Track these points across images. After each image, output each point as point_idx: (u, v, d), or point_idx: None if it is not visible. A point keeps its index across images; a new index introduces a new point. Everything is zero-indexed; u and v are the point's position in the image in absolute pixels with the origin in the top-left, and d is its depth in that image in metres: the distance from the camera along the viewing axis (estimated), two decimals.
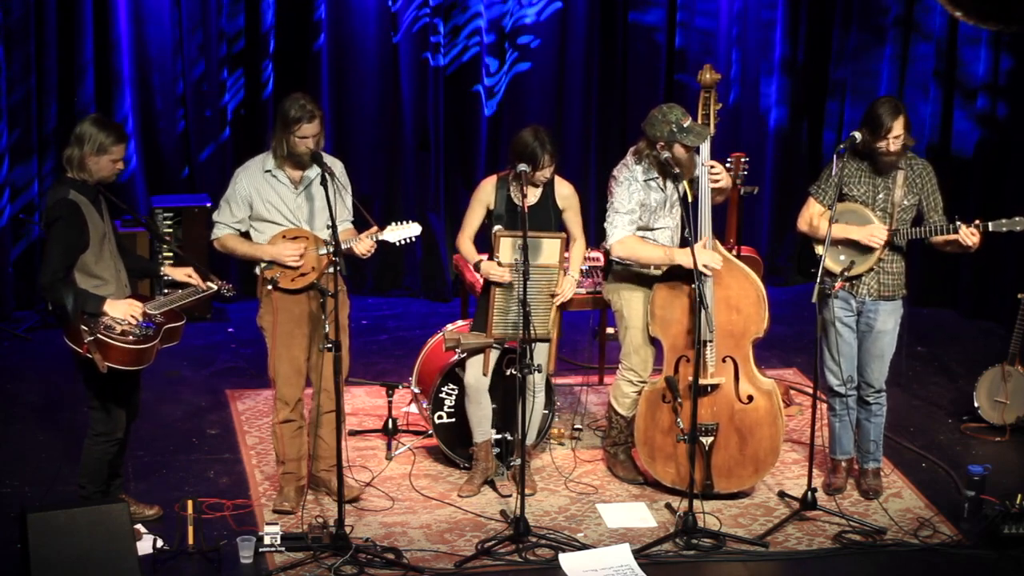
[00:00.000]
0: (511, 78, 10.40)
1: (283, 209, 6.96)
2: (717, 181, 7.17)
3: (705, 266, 6.97)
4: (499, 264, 7.12)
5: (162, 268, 6.79)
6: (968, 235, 6.95)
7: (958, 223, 6.99)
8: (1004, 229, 6.98)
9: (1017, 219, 6.96)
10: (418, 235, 7.05)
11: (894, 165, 7.08)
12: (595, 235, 9.32)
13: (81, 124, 6.53)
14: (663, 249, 7.18)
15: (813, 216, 7.21)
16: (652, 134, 7.07)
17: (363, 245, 6.95)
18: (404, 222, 7.04)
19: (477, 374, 7.29)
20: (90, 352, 6.36)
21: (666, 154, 7.03)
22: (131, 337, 6.43)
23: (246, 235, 7.04)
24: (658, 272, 7.24)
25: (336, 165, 7.01)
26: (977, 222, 6.97)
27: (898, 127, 6.97)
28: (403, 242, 7.05)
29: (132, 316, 6.46)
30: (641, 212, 7.18)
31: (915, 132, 7.22)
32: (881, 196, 7.12)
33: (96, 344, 6.36)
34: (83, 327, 6.35)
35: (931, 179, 7.18)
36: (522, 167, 7.03)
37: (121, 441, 6.81)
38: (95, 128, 6.47)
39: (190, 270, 6.77)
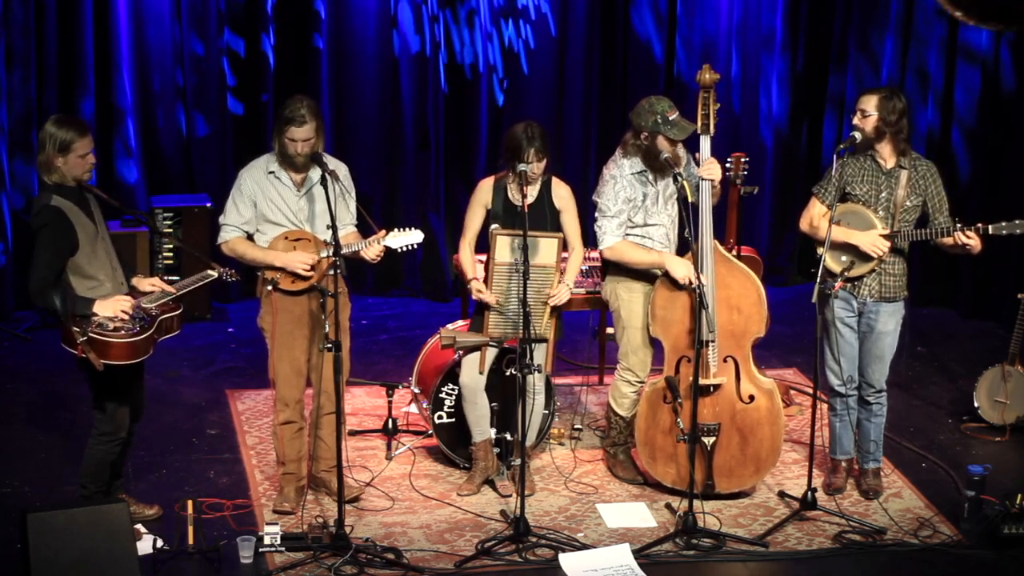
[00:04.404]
0: (512, 78, 10.40)
1: (285, 210, 6.96)
2: (711, 176, 7.15)
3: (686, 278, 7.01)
4: (495, 263, 7.12)
5: (132, 280, 6.74)
6: (963, 237, 6.95)
7: (958, 224, 7.00)
8: (1004, 232, 6.99)
9: (1017, 222, 6.96)
10: (420, 242, 7.05)
11: (870, 143, 7.07)
12: (593, 236, 9.31)
13: (43, 127, 6.48)
14: (655, 254, 7.18)
15: (815, 216, 7.20)
16: (637, 123, 7.11)
17: (373, 250, 6.94)
18: (407, 228, 7.04)
19: (473, 374, 7.29)
20: (85, 352, 6.36)
21: (665, 154, 7.03)
22: (123, 331, 6.42)
23: (250, 237, 7.03)
24: (657, 272, 7.25)
25: (340, 168, 7.01)
26: (978, 225, 6.97)
27: (863, 103, 7.03)
28: (405, 249, 7.04)
29: (123, 312, 6.45)
30: (630, 209, 7.19)
31: (915, 133, 7.21)
32: (884, 195, 7.12)
33: (90, 343, 6.36)
34: (75, 328, 6.35)
35: (935, 180, 7.18)
36: (522, 167, 7.04)
37: (124, 442, 6.81)
38: (54, 128, 6.43)
39: (155, 279, 6.74)
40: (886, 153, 7.11)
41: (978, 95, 10.06)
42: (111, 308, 6.44)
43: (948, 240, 7.05)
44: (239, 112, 10.15)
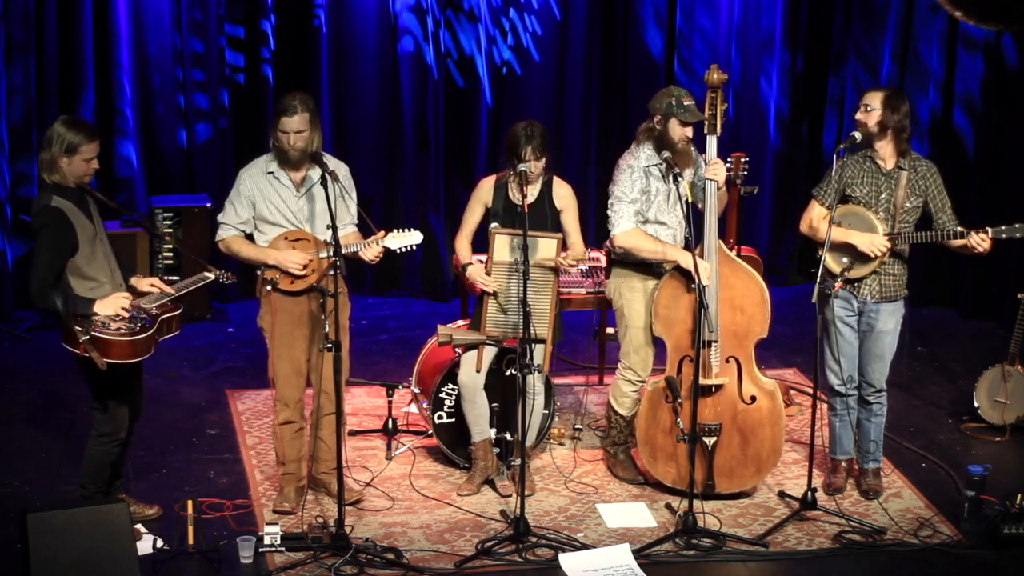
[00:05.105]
0: (512, 78, 10.40)
1: (285, 211, 6.96)
2: (715, 176, 7.15)
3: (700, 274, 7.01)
4: (494, 262, 7.12)
5: (131, 280, 6.73)
6: (979, 242, 6.96)
7: (965, 229, 7.00)
8: (1004, 236, 6.99)
9: (1018, 226, 6.97)
10: (419, 243, 7.05)
11: (871, 141, 7.07)
12: (595, 234, 9.32)
13: (51, 126, 6.47)
14: (662, 245, 7.19)
15: (814, 218, 7.21)
16: (652, 106, 7.19)
17: (371, 251, 6.95)
18: (406, 229, 7.04)
19: (471, 372, 7.29)
20: (87, 351, 6.36)
21: (666, 154, 7.03)
22: (125, 331, 6.42)
23: (249, 237, 7.04)
24: (661, 270, 7.24)
25: (340, 168, 7.01)
26: (984, 229, 6.97)
27: (868, 98, 7.05)
28: (404, 250, 7.04)
29: (123, 309, 6.45)
30: (644, 200, 7.19)
31: (915, 132, 7.21)
32: (884, 196, 7.12)
33: (92, 342, 6.35)
34: (77, 328, 6.35)
35: (936, 180, 7.18)
36: (523, 167, 7.04)
37: (124, 442, 6.81)
38: (63, 128, 6.42)
39: (154, 280, 6.73)
40: (886, 154, 7.11)
41: (981, 79, 10.03)
42: (111, 306, 6.45)
43: (957, 242, 7.05)
44: (239, 112, 10.14)
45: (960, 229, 7.03)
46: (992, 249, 7.07)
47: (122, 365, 6.47)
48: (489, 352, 7.30)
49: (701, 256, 7.09)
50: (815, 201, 7.22)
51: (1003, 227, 6.99)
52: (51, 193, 6.43)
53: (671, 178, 7.12)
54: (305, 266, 6.89)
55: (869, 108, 7.05)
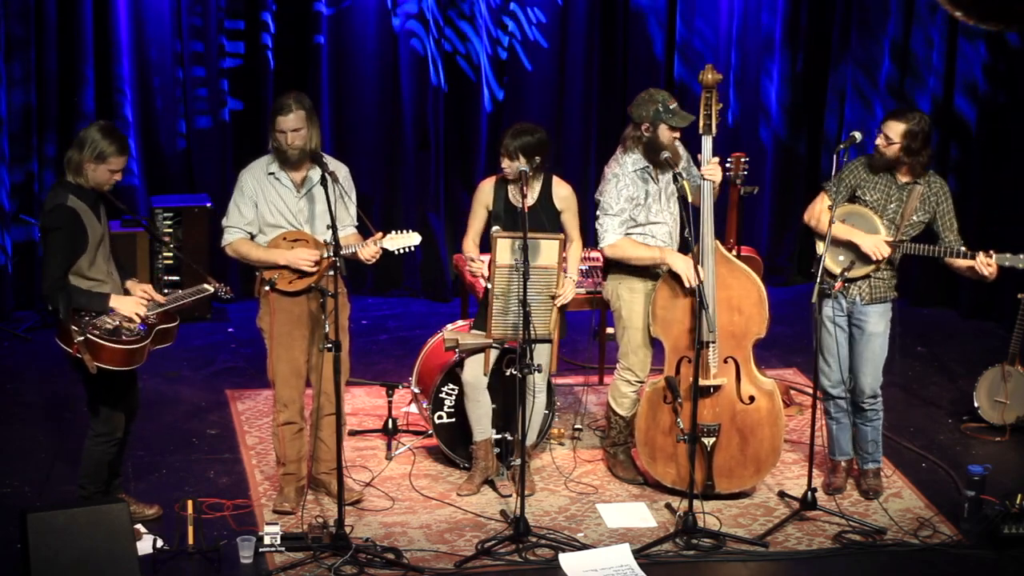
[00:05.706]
0: (512, 78, 10.40)
1: (285, 211, 6.96)
2: (712, 177, 7.16)
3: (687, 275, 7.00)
4: (496, 265, 7.12)
5: (126, 284, 6.72)
6: (984, 265, 6.94)
7: (969, 251, 6.99)
8: (1007, 264, 6.98)
9: (1022, 256, 6.95)
10: (417, 244, 7.05)
11: (889, 166, 7.07)
12: (594, 234, 9.32)
13: (87, 128, 6.51)
14: (656, 250, 7.19)
15: (818, 211, 7.19)
16: (638, 114, 7.12)
17: (368, 250, 6.94)
18: (404, 231, 7.04)
19: (475, 372, 7.29)
20: (80, 352, 6.35)
21: (666, 154, 7.02)
22: (122, 337, 6.42)
23: (254, 238, 7.02)
24: (659, 271, 7.24)
25: (340, 169, 7.01)
26: (989, 252, 6.97)
27: (888, 128, 7.01)
28: (402, 251, 7.04)
29: (137, 315, 6.46)
30: (632, 208, 7.18)
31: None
32: (892, 206, 7.11)
33: (86, 344, 6.35)
34: (73, 327, 6.35)
35: (947, 198, 7.17)
36: (523, 168, 7.04)
37: (121, 441, 6.81)
38: (99, 135, 6.44)
39: (146, 287, 6.71)
40: (902, 170, 7.11)
41: (984, 63, 10.01)
42: (129, 307, 6.45)
43: (961, 263, 7.02)
44: (239, 112, 10.14)
45: (965, 250, 7.03)
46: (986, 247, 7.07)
47: (113, 371, 6.45)
48: (494, 353, 7.30)
49: (696, 256, 7.08)
50: (824, 194, 7.21)
51: (1007, 255, 6.97)
52: (68, 192, 6.44)
53: (671, 177, 7.12)
54: (317, 262, 6.88)
55: (890, 141, 7.02)
